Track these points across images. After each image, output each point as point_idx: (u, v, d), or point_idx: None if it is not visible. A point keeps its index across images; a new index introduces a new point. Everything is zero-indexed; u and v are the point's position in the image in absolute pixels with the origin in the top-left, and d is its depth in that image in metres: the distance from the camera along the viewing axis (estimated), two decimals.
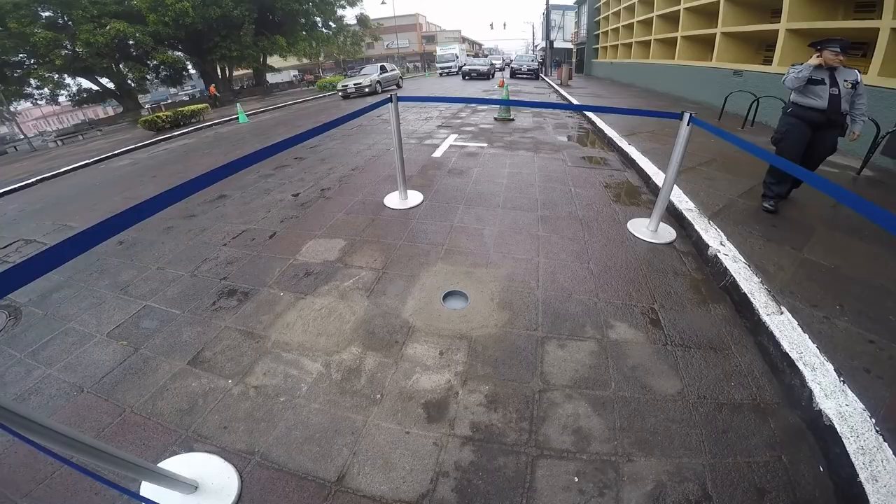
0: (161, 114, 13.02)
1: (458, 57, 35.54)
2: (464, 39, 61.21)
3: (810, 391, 1.89)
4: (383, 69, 18.84)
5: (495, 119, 8.75)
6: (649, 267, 2.96)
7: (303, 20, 24.88)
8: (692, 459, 1.65)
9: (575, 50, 39.11)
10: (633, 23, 21.93)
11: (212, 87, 23.70)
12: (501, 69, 35.96)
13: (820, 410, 1.81)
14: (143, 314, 2.73)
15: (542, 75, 26.45)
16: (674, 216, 3.70)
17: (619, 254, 3.12)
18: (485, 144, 6.47)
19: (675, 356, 2.15)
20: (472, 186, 4.57)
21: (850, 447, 1.65)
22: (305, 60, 29.50)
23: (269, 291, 2.83)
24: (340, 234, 3.60)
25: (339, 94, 17.06)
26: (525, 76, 25.12)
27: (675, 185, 4.09)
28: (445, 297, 2.63)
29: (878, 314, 2.35)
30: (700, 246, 3.17)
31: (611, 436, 1.73)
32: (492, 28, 55.82)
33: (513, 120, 8.69)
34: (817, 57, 3.42)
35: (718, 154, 5.44)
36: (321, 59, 31.60)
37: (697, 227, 3.33)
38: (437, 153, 6.04)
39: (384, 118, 9.62)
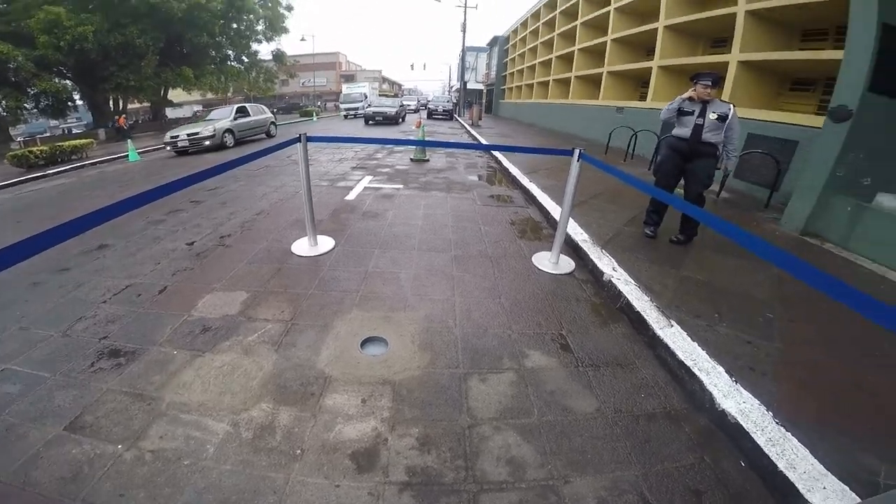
0: (35, 148, 11.47)
1: (366, 97, 31.49)
2: (384, 79, 63.02)
3: (710, 394, 2.12)
4: (242, 112, 14.00)
5: (411, 160, 9.06)
6: (554, 296, 3.22)
7: (213, 52, 23.75)
8: (624, 472, 1.77)
9: (485, 91, 41.93)
10: (535, 64, 24.31)
11: (121, 119, 21.52)
12: (417, 110, 35.49)
13: (723, 410, 2.03)
14: (3, 378, 2.35)
15: (456, 116, 27.99)
16: (571, 247, 4.08)
17: (526, 287, 3.35)
18: (400, 186, 6.65)
19: (588, 376, 2.34)
20: (388, 229, 4.62)
21: (760, 440, 1.84)
22: (211, 95, 28.07)
23: (160, 350, 2.59)
24: (243, 286, 3.41)
25: (168, 148, 12.25)
26: (441, 117, 26.40)
27: (570, 219, 4.54)
28: (363, 343, 2.62)
29: (747, 317, 2.80)
30: (596, 273, 3.53)
31: (544, 461, 1.81)
32: (412, 69, 58.51)
33: (428, 160, 9.06)
34: (692, 90, 3.89)
35: (606, 187, 6.17)
36: (230, 94, 30.28)
37: (592, 257, 3.71)
38: (351, 196, 6.06)
39: (294, 158, 9.48)
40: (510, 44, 31.81)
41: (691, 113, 3.92)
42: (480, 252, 4.02)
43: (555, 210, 5.01)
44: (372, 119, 20.72)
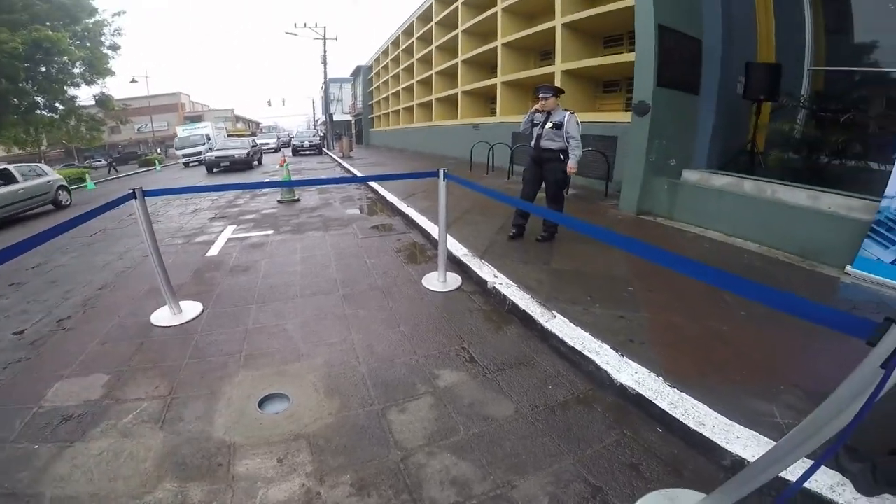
0: None
1: (209, 139, 26.27)
2: (238, 118, 59.10)
3: (606, 372, 2.31)
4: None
5: (279, 202, 8.61)
6: (450, 313, 3.33)
7: (16, 100, 19.50)
8: (562, 463, 1.84)
9: (354, 121, 41.94)
10: (399, 90, 25.15)
11: None
12: (277, 149, 31.76)
13: (622, 385, 2.21)
14: None
15: (326, 149, 27.43)
16: (455, 263, 4.27)
17: (422, 310, 3.41)
18: (270, 232, 6.26)
19: (498, 382, 2.45)
20: (263, 281, 4.31)
21: (663, 405, 2.00)
22: (19, 150, 23.11)
23: (16, 447, 2.10)
24: (100, 368, 2.89)
25: None
26: (308, 152, 25.55)
27: (448, 236, 4.75)
28: (262, 403, 2.42)
29: (614, 295, 3.21)
30: (481, 283, 3.73)
31: (485, 473, 1.81)
32: (269, 105, 55.77)
33: (298, 200, 8.70)
34: (538, 104, 4.37)
35: (475, 202, 6.64)
36: (43, 147, 25.12)
37: (475, 268, 3.92)
38: (213, 251, 5.51)
39: (136, 216, 8.27)
40: (374, 72, 32.39)
41: (538, 124, 4.41)
42: (370, 285, 3.98)
43: (435, 231, 5.19)
44: (216, 166, 16.89)
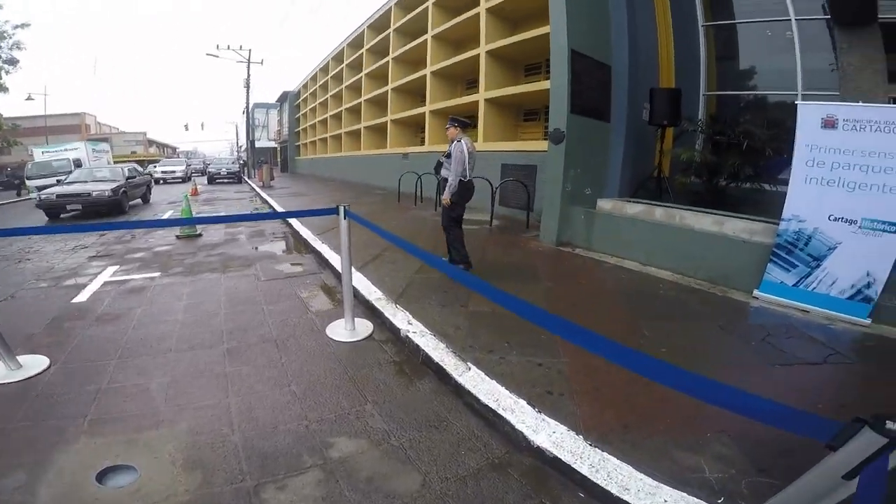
0: None
1: (81, 164, 18.25)
2: (151, 142, 54.87)
3: (521, 432, 2.08)
4: None
5: (177, 237, 7.72)
6: (355, 367, 2.97)
7: None
8: None
9: (279, 148, 40.65)
10: (326, 117, 24.68)
11: None
12: (187, 177, 25.93)
13: (539, 447, 1.99)
14: None
15: (245, 177, 25.98)
16: (368, 308, 3.89)
17: (321, 365, 3.02)
18: (156, 274, 5.49)
19: (404, 449, 2.14)
20: (133, 332, 3.67)
21: (584, 469, 1.83)
22: None
23: None
24: None
25: None
26: (226, 180, 23.99)
27: (363, 277, 4.38)
28: (101, 476, 2.05)
29: (532, 339, 3.02)
30: (394, 330, 3.40)
31: None
32: (186, 129, 52.07)
33: (200, 235, 7.88)
34: None
35: (401, 232, 6.34)
36: None
37: (387, 314, 3.58)
38: (83, 296, 4.70)
39: (4, 253, 7.01)
40: (301, 98, 31.74)
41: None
42: (262, 337, 3.49)
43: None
44: (61, 209, 10.65)
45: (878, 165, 3.50)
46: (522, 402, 2.31)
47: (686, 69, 8.17)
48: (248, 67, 27.52)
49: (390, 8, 15.91)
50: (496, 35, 10.00)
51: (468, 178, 4.43)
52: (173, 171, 25.85)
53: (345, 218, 3.29)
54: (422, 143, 14.32)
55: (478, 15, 10.41)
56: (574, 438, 2.03)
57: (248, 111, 30.19)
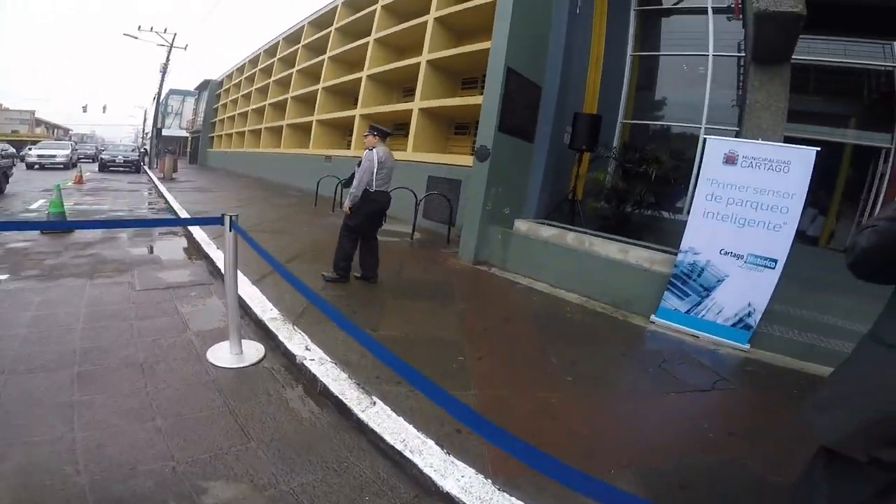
0: None
1: None
2: (39, 122, 47.50)
3: (429, 476, 1.92)
4: None
5: (41, 232, 6.55)
6: (238, 398, 2.57)
7: None
8: None
9: (190, 138, 37.53)
10: (248, 110, 23.07)
11: None
12: (71, 163, 21.85)
13: (448, 493, 1.84)
14: None
15: (146, 167, 23.30)
16: (262, 328, 3.48)
17: (197, 395, 2.58)
18: (4, 276, 4.53)
19: (295, 495, 1.85)
20: None
21: None
22: None
23: None
24: None
25: None
26: (122, 168, 21.26)
27: (259, 292, 3.96)
28: None
29: (444, 368, 2.84)
30: (289, 356, 3.05)
31: None
32: (84, 111, 45.60)
33: (72, 231, 6.76)
34: None
35: (310, 243, 5.90)
36: None
37: (282, 336, 3.23)
38: None
39: None
40: (223, 88, 29.64)
41: None
42: (126, 360, 2.94)
43: (248, 284, 4.26)
44: None
45: (766, 203, 3.88)
46: (430, 443, 2.13)
47: (608, 96, 8.67)
48: (170, 51, 25.45)
49: (337, 6, 15.45)
50: (440, 45, 9.97)
51: (374, 188, 4.24)
52: (53, 156, 21.57)
53: (230, 230, 2.89)
54: (348, 146, 13.83)
55: (425, 23, 10.33)
56: (482, 483, 1.91)
57: (158, 95, 27.57)
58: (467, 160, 7.85)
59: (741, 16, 6.11)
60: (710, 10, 8.12)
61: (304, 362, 2.87)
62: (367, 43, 12.73)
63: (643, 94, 9.01)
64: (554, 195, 6.97)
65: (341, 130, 15.25)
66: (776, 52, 4.56)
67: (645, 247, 4.84)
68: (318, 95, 15.27)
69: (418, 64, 10.18)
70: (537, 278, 5.21)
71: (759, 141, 4.20)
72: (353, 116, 12.78)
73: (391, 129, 4.62)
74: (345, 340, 3.19)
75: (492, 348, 3.29)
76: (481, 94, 7.49)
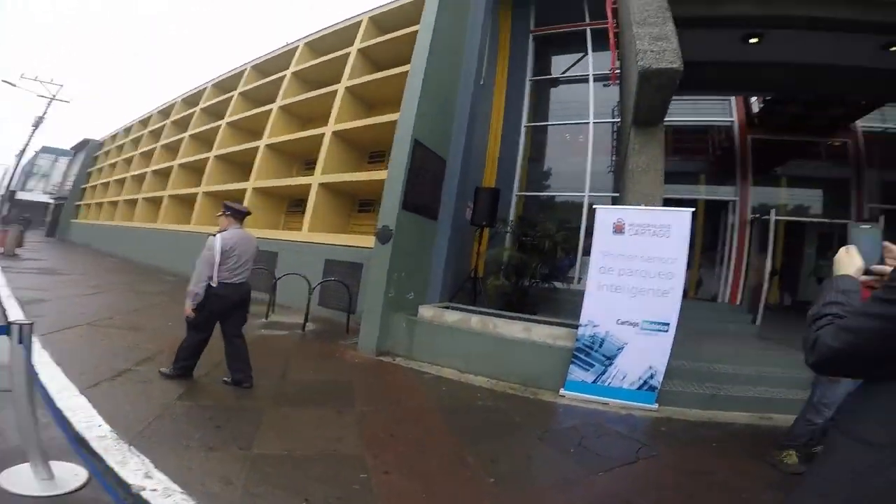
0: None
1: None
2: None
3: None
4: None
5: None
6: None
7: None
8: None
9: (53, 206, 32.68)
10: (126, 177, 20.66)
11: None
12: None
13: None
14: None
15: None
16: (86, 447, 2.62)
17: None
18: None
19: None
20: None
21: None
22: None
23: None
24: None
25: None
26: None
27: (87, 402, 3.09)
28: None
29: (344, 489, 2.34)
30: (123, 484, 2.27)
31: None
32: None
33: None
34: None
35: (175, 340, 4.23)
36: None
37: (113, 460, 2.43)
38: None
39: None
40: (104, 150, 26.50)
41: None
42: None
43: (65, 392, 3.22)
44: None
45: (654, 270, 4.13)
46: None
47: (505, 169, 9.07)
48: (49, 104, 23.21)
49: (246, 69, 14.95)
50: (348, 115, 9.72)
51: (220, 281, 3.62)
52: None
53: (19, 342, 2.17)
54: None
55: (335, 92, 10.14)
56: None
57: (23, 150, 24.35)
58: (371, 241, 7.55)
59: (618, 81, 6.84)
60: (591, 78, 9.22)
61: (143, 494, 2.15)
62: (271, 110, 12.27)
63: (535, 165, 9.69)
64: (457, 274, 6.88)
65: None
66: (654, 112, 4.77)
67: (547, 323, 4.91)
68: (209, 164, 14.19)
69: (323, 135, 9.92)
70: (445, 365, 4.90)
71: (643, 206, 4.48)
72: (245, 189, 11.94)
73: (248, 210, 4.08)
74: (205, 463, 2.50)
75: (400, 458, 2.83)
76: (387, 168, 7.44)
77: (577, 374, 4.23)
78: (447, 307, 5.66)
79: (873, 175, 8.33)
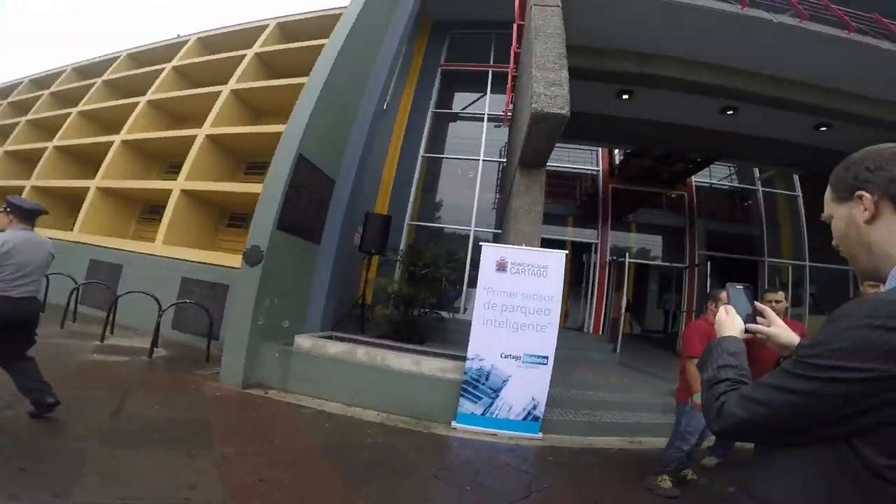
0: None
1: None
2: None
3: None
4: None
5: None
6: None
7: None
8: None
9: None
10: None
11: None
12: None
13: None
14: None
15: None
16: None
17: None
18: None
19: None
20: None
21: None
22: None
23: None
24: None
25: None
26: None
27: None
28: None
29: None
30: None
31: None
32: None
33: None
34: None
35: None
36: None
37: None
38: None
39: None
40: None
41: None
42: None
43: None
44: None
45: (533, 307, 4.32)
46: None
47: (399, 196, 8.93)
48: None
49: (120, 56, 12.94)
50: (230, 120, 8.72)
51: (6, 293, 2.91)
52: None
53: None
54: (72, 228, 10.41)
55: (219, 93, 9.07)
56: None
57: None
58: (238, 260, 6.71)
59: (509, 123, 7.21)
60: (485, 118, 9.80)
61: None
62: (138, 103, 10.55)
63: (428, 195, 9.83)
64: (342, 302, 6.48)
65: (68, 205, 11.63)
66: (540, 154, 4.94)
67: (436, 356, 4.81)
68: (46, 154, 11.61)
69: (195, 137, 8.72)
70: (328, 398, 4.47)
71: (524, 246, 4.70)
72: (87, 188, 9.92)
73: (40, 208, 3.27)
74: None
75: None
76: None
77: (466, 406, 4.23)
78: (330, 337, 5.24)
79: (702, 224, 10.05)
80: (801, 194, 9.99)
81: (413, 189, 9.35)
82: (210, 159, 8.72)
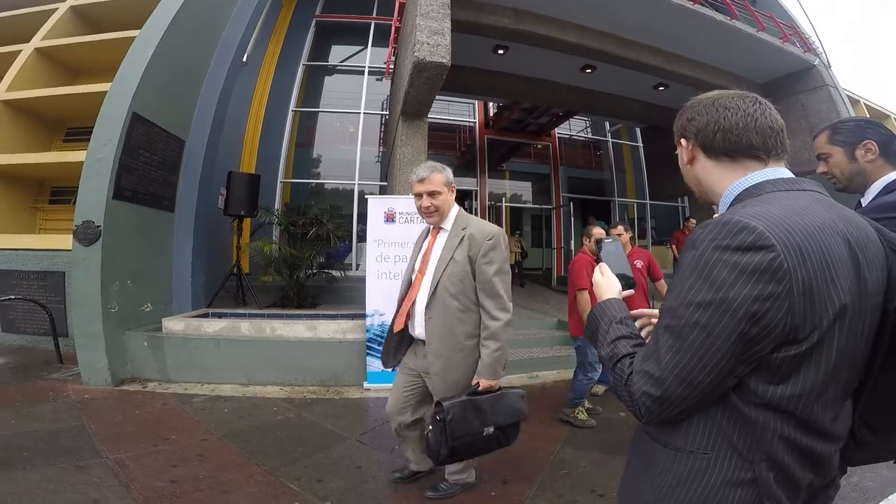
0: None
1: None
2: None
3: None
4: None
5: None
6: None
7: None
8: None
9: None
10: None
11: None
12: None
13: None
14: None
15: None
16: None
17: None
18: None
19: None
20: None
21: None
22: None
23: None
24: None
25: None
26: None
27: None
28: None
29: None
30: None
31: None
32: None
33: None
34: None
35: None
36: None
37: None
38: None
39: None
40: None
41: None
42: None
43: None
44: None
45: None
46: None
47: (268, 154, 8.06)
48: None
49: None
50: (37, 81, 6.69)
51: None
52: None
53: None
54: None
55: (17, 53, 6.88)
56: None
57: None
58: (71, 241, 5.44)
59: (391, 77, 6.97)
60: (366, 70, 9.27)
61: None
62: None
63: (303, 151, 9.11)
64: (214, 274, 5.69)
65: None
66: (422, 105, 4.91)
67: (332, 317, 4.53)
68: None
69: None
70: (221, 381, 3.97)
71: (410, 195, 4.58)
72: None
73: None
74: None
75: None
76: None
77: (375, 364, 4.03)
78: (206, 315, 4.63)
79: (564, 171, 11.11)
80: (641, 144, 11.41)
81: (285, 145, 8.56)
82: (12, 129, 6.72)
